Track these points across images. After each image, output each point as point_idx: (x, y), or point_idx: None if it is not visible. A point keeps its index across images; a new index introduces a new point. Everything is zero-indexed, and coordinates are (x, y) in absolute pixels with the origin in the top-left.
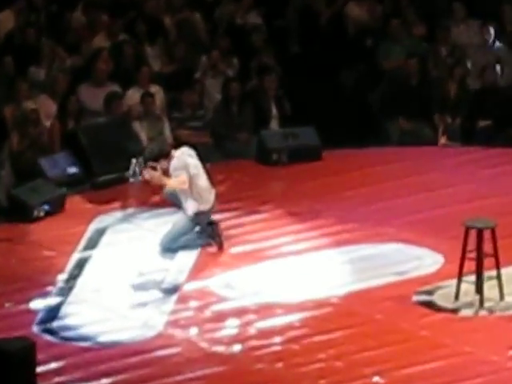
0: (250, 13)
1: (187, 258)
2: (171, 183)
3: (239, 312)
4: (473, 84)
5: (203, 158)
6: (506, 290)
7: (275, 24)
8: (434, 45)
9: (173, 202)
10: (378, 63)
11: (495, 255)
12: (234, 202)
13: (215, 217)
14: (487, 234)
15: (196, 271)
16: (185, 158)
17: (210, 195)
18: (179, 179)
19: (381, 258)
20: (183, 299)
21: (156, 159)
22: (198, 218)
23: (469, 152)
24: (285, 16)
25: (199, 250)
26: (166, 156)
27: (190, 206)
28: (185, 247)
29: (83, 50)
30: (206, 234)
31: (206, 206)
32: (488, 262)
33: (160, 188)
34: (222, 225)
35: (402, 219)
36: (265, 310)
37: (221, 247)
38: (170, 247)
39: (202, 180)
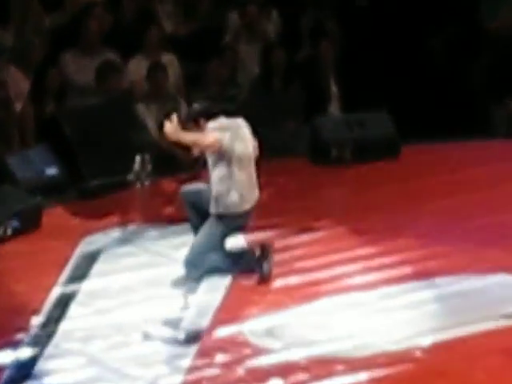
0: None
1: (212, 293)
2: (195, 138)
3: (284, 369)
4: None
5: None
6: None
7: None
8: None
9: (192, 204)
10: (481, 22)
11: None
12: (279, 216)
13: (256, 235)
14: None
15: (225, 312)
16: (224, 124)
17: (250, 193)
18: (208, 135)
19: (483, 294)
20: (206, 352)
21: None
22: (228, 222)
23: None
24: None
25: (230, 279)
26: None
27: (219, 203)
28: (212, 273)
29: (67, 4)
30: (248, 257)
31: (241, 207)
32: None
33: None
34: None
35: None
36: (320, 366)
37: (266, 278)
38: (196, 266)
39: (243, 165)
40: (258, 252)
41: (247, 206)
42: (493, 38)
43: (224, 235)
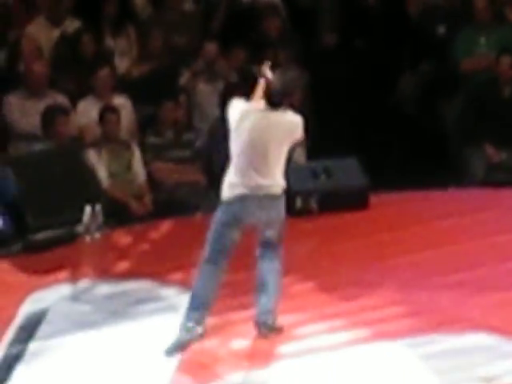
0: None
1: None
2: None
3: None
4: None
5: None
6: None
7: (300, 3)
8: None
9: None
10: (454, 63)
11: None
12: (241, 272)
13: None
14: None
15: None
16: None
17: (246, 179)
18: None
19: (460, 354)
20: None
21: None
22: (223, 209)
23: None
24: None
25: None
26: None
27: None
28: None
29: (10, 40)
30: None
31: (228, 193)
32: None
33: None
34: (222, 305)
35: (490, 297)
36: None
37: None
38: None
39: (243, 151)
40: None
41: (236, 191)
42: (468, 78)
43: (223, 224)
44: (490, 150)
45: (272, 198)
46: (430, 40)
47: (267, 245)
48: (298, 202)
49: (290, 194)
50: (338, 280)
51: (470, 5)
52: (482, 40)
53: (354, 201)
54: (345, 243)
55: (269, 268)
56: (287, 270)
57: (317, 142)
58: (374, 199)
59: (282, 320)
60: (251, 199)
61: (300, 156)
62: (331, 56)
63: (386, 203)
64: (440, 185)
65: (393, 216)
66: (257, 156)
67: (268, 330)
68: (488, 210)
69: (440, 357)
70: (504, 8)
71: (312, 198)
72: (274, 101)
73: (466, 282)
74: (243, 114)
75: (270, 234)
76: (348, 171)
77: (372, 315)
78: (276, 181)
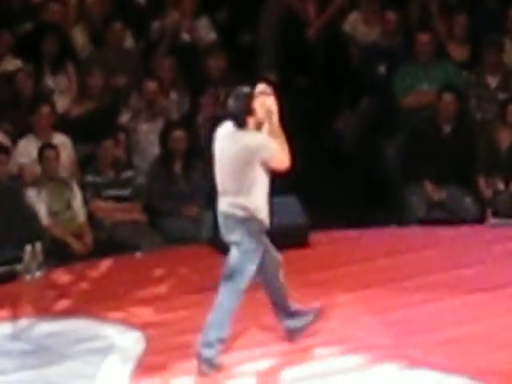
0: (199, 22)
1: None
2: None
3: None
4: None
5: None
6: None
7: (240, 41)
8: (478, 73)
9: None
10: (394, 100)
11: None
12: (180, 310)
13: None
14: None
15: None
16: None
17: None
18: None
19: None
20: None
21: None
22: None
23: None
24: (254, 29)
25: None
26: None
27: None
28: None
29: None
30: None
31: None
32: None
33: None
34: (161, 344)
35: (429, 336)
36: None
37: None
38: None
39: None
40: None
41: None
42: (408, 115)
43: None
44: (429, 188)
45: (235, 219)
46: (370, 79)
47: (224, 274)
48: None
49: None
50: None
51: (410, 43)
52: (424, 77)
53: (295, 238)
54: (286, 280)
55: (216, 301)
56: None
57: None
58: (314, 237)
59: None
60: (220, 217)
61: None
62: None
63: (325, 241)
64: (380, 223)
65: (332, 254)
66: (224, 176)
67: (208, 366)
68: (428, 248)
69: None
70: (445, 44)
71: None
72: (237, 121)
73: (404, 321)
74: (217, 138)
75: (230, 261)
76: (289, 210)
77: (308, 354)
78: (242, 203)
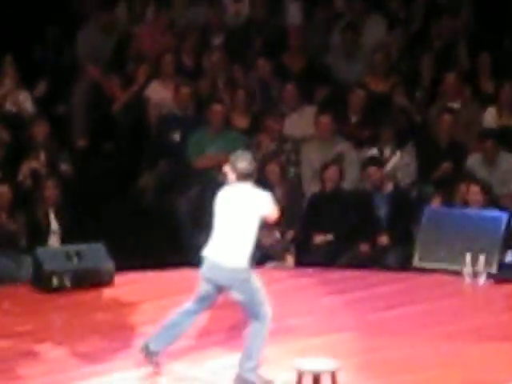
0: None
1: None
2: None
3: None
4: (308, 188)
5: None
6: None
7: (56, 111)
8: (257, 138)
9: None
10: (187, 162)
11: None
12: (3, 340)
13: None
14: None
15: None
16: None
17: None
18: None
19: None
20: None
21: None
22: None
23: (303, 275)
24: (67, 101)
25: None
26: None
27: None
28: None
29: None
30: None
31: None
32: None
33: None
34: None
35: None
36: None
37: None
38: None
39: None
40: None
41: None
42: (199, 176)
43: None
44: None
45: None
46: (167, 144)
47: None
48: (55, 280)
49: (46, 273)
50: (89, 348)
51: (202, 113)
52: (213, 142)
53: (102, 279)
54: (94, 315)
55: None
56: (43, 338)
57: (71, 228)
58: (119, 278)
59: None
60: None
61: (54, 242)
62: (83, 157)
63: (129, 281)
64: (175, 265)
65: (134, 293)
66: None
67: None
68: None
69: None
70: (231, 115)
71: (65, 276)
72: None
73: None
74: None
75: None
76: (96, 254)
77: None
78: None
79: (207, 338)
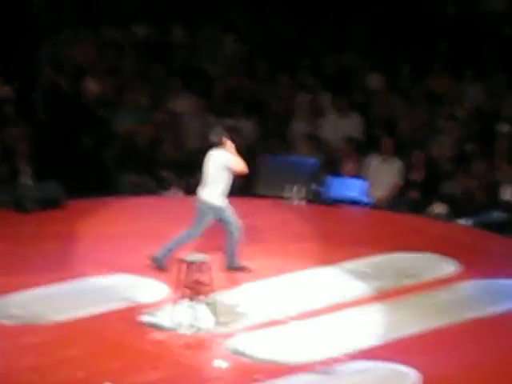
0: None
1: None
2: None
3: None
4: (192, 144)
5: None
6: (218, 312)
7: (27, 96)
8: (154, 113)
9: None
10: (113, 129)
11: (210, 284)
12: None
13: None
14: (204, 267)
15: None
16: None
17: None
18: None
19: (111, 286)
20: None
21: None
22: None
23: (188, 201)
24: (35, 89)
25: None
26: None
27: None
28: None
29: None
30: None
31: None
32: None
33: None
34: None
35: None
36: None
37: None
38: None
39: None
40: None
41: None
42: (121, 137)
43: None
44: (130, 175)
45: (204, 204)
46: (99, 116)
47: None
48: (27, 206)
49: (22, 200)
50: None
51: (121, 96)
52: (127, 116)
53: (57, 203)
54: (52, 227)
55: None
56: (19, 242)
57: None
58: (69, 203)
59: None
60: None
61: (27, 179)
62: (45, 127)
63: (75, 205)
64: (104, 194)
65: (79, 212)
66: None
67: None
68: (127, 209)
69: (92, 291)
70: (138, 98)
71: (35, 202)
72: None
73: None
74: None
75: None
76: (53, 187)
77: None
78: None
79: None
